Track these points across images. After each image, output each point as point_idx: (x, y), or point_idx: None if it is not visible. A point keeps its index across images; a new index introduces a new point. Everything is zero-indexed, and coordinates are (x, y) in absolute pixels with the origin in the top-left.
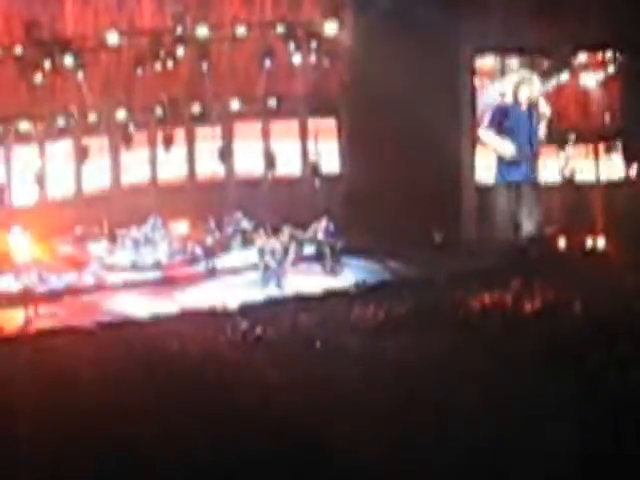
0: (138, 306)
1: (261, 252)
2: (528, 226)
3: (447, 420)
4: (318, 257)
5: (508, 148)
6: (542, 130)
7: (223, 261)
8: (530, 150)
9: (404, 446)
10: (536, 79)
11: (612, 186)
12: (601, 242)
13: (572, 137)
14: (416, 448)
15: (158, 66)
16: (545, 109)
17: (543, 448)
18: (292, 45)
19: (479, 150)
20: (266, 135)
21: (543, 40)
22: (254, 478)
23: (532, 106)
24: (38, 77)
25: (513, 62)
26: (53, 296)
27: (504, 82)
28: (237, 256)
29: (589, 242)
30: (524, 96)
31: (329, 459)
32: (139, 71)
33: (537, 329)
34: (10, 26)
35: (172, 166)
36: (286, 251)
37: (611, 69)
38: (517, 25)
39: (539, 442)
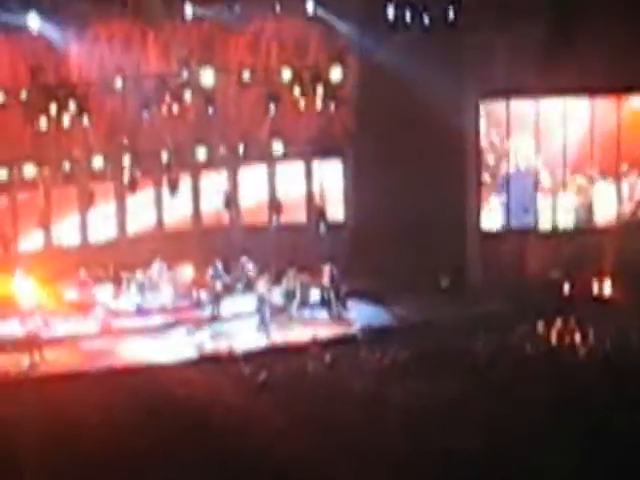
0: (143, 351)
1: (261, 299)
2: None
3: (452, 464)
4: (323, 302)
5: None
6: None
7: (228, 306)
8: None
9: None
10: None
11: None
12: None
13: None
14: None
15: (164, 110)
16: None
17: None
18: (298, 90)
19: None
20: (272, 180)
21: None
22: None
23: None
24: (43, 122)
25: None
26: (58, 341)
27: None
28: (242, 301)
29: (599, 286)
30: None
31: None
32: (145, 115)
33: (544, 372)
34: (15, 71)
35: (177, 211)
36: (292, 295)
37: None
38: (522, 69)
39: None
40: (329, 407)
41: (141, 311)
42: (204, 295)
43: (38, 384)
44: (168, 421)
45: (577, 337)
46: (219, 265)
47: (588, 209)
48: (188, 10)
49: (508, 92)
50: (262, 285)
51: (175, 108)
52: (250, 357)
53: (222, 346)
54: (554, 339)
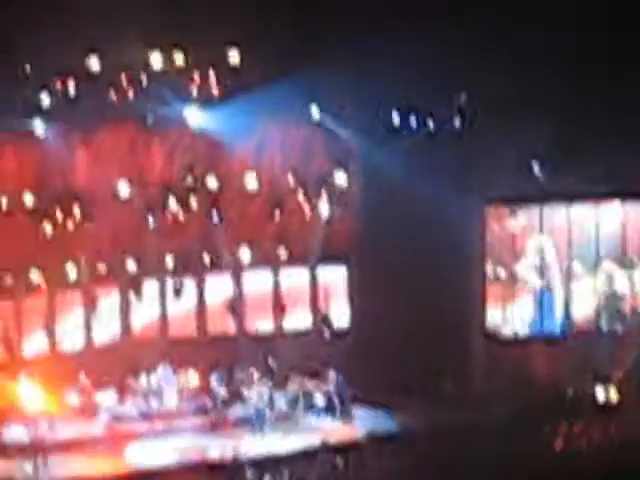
0: (147, 456)
1: (269, 404)
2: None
3: None
4: (328, 408)
5: None
6: None
7: (233, 412)
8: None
9: None
10: None
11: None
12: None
13: None
14: None
15: (168, 216)
16: None
17: None
18: (301, 195)
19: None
20: (276, 287)
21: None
22: None
23: None
24: (48, 227)
25: None
26: (63, 446)
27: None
28: (247, 407)
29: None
30: None
31: None
32: (149, 221)
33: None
34: (21, 176)
35: (181, 318)
36: (296, 401)
37: None
38: (526, 177)
39: None
40: None
41: (145, 416)
42: (209, 401)
43: None
44: None
45: (583, 443)
46: (222, 370)
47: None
48: (193, 117)
49: (513, 199)
50: (265, 389)
51: (179, 213)
52: (255, 464)
53: (227, 452)
54: (559, 445)
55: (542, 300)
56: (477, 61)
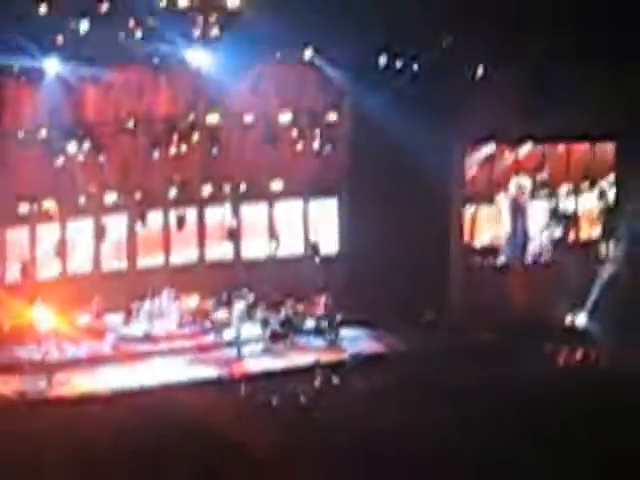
0: (151, 374)
1: (264, 326)
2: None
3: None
4: (317, 331)
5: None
6: None
7: (230, 333)
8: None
9: None
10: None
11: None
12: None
13: None
14: None
15: (172, 150)
16: None
17: None
18: (296, 132)
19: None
20: (271, 216)
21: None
22: None
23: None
24: (61, 159)
25: None
26: (72, 365)
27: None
28: (242, 329)
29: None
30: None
31: None
32: (155, 155)
33: (520, 401)
34: (36, 111)
35: (188, 244)
36: (289, 323)
37: None
38: (505, 116)
39: None
40: (318, 430)
41: (149, 337)
42: (208, 323)
43: (53, 404)
44: (172, 440)
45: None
46: (221, 295)
47: None
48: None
49: (492, 138)
50: (262, 314)
51: (183, 148)
52: (250, 380)
53: (224, 370)
54: (533, 365)
55: (516, 233)
56: (463, 5)
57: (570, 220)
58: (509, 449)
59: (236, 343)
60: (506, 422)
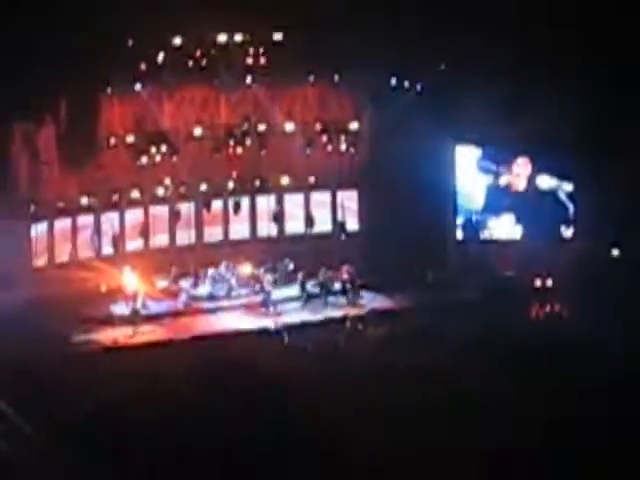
0: (214, 326)
1: (302, 288)
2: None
3: (430, 406)
4: (343, 292)
5: None
6: None
7: (275, 294)
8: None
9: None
10: None
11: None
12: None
13: None
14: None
15: (230, 152)
16: None
17: None
18: (325, 138)
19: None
20: (307, 203)
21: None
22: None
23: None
24: (143, 159)
25: None
26: (153, 318)
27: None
28: (285, 291)
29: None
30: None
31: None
32: (216, 156)
33: (498, 342)
34: (124, 122)
35: (242, 224)
36: (322, 286)
37: None
38: (489, 122)
39: None
40: (346, 365)
41: (212, 297)
42: (258, 286)
43: (138, 349)
44: (232, 372)
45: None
46: (269, 264)
47: None
48: (249, 79)
49: (478, 139)
50: (301, 279)
51: (238, 150)
52: (291, 330)
53: (270, 321)
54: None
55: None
56: (452, 41)
57: None
58: (489, 373)
59: (280, 301)
60: (487, 355)
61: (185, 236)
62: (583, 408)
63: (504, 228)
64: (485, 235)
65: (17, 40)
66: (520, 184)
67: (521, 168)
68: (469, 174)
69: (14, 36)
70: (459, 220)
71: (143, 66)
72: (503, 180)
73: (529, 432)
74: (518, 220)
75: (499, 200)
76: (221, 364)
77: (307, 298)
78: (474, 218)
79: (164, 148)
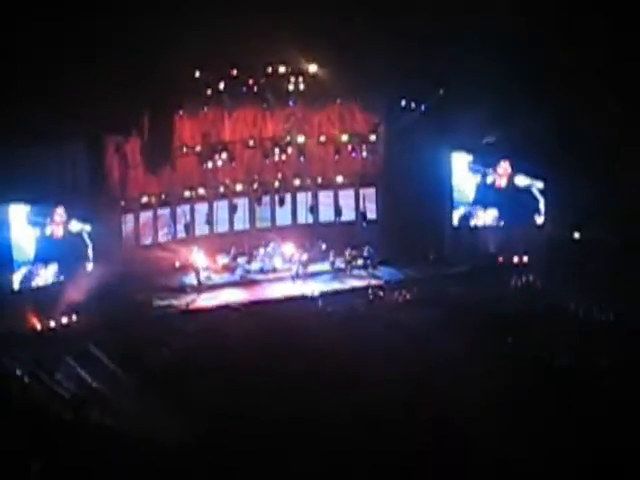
0: (265, 294)
1: (332, 264)
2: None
3: (438, 357)
4: (364, 266)
5: None
6: None
7: (311, 268)
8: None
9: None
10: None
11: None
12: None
13: None
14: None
15: (276, 158)
16: None
17: None
18: (350, 147)
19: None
20: (336, 198)
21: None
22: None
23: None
24: (209, 164)
25: None
26: (216, 288)
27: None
28: (319, 266)
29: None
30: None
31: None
32: (266, 161)
33: (484, 306)
34: (194, 135)
35: (286, 215)
36: (347, 262)
37: None
38: (477, 134)
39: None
40: (367, 325)
41: (262, 271)
42: (297, 263)
43: (204, 312)
44: (279, 331)
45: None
46: (306, 245)
47: None
48: (290, 101)
49: (470, 147)
50: (332, 257)
51: (283, 157)
52: (324, 296)
53: (307, 289)
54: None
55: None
56: (451, 69)
57: None
58: (477, 328)
59: (316, 274)
60: (475, 314)
61: (241, 223)
62: (550, 353)
63: (490, 217)
64: (475, 222)
65: (111, 71)
66: (502, 182)
67: (503, 169)
68: (462, 175)
69: (110, 68)
70: (457, 211)
71: (208, 92)
72: (489, 179)
73: (503, 374)
74: (501, 210)
75: (486, 195)
76: (271, 324)
77: (336, 272)
78: (466, 210)
79: (224, 156)
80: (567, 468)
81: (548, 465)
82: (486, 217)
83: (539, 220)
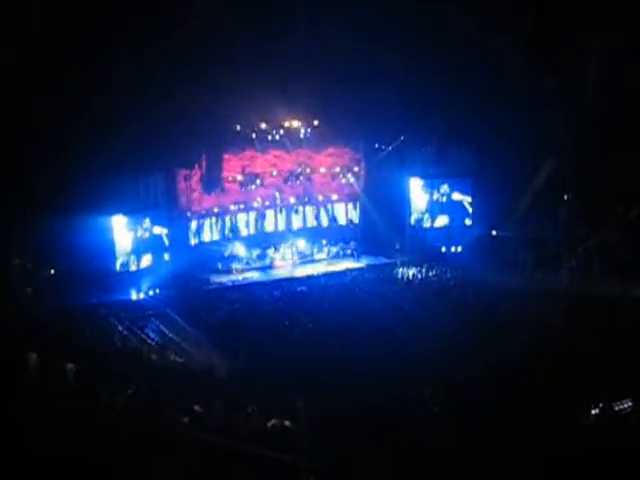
0: (283, 274)
1: (328, 252)
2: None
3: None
4: (352, 255)
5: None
6: None
7: (316, 256)
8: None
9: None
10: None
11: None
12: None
13: None
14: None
15: (290, 183)
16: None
17: None
18: (341, 175)
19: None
20: (331, 210)
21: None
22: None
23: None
24: (245, 188)
25: None
26: (252, 270)
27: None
28: (320, 255)
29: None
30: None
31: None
32: (284, 186)
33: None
34: (235, 168)
35: (299, 221)
36: (340, 251)
37: None
38: (426, 165)
39: None
40: (353, 291)
41: (284, 258)
42: (299, 255)
43: (243, 286)
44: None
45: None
46: (313, 241)
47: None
48: (299, 146)
49: (421, 174)
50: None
51: (296, 183)
52: (324, 275)
53: (313, 271)
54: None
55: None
56: (408, 124)
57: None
58: (423, 300)
59: (318, 260)
60: (422, 288)
61: (269, 226)
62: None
63: (442, 221)
64: (427, 225)
65: (182, 124)
66: (443, 198)
67: (443, 189)
68: (417, 192)
69: (181, 122)
70: (413, 217)
71: (246, 139)
72: (435, 196)
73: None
74: (448, 215)
75: (433, 206)
76: (287, 293)
77: (332, 258)
78: (419, 216)
79: (257, 182)
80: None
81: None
82: (439, 221)
83: (468, 222)
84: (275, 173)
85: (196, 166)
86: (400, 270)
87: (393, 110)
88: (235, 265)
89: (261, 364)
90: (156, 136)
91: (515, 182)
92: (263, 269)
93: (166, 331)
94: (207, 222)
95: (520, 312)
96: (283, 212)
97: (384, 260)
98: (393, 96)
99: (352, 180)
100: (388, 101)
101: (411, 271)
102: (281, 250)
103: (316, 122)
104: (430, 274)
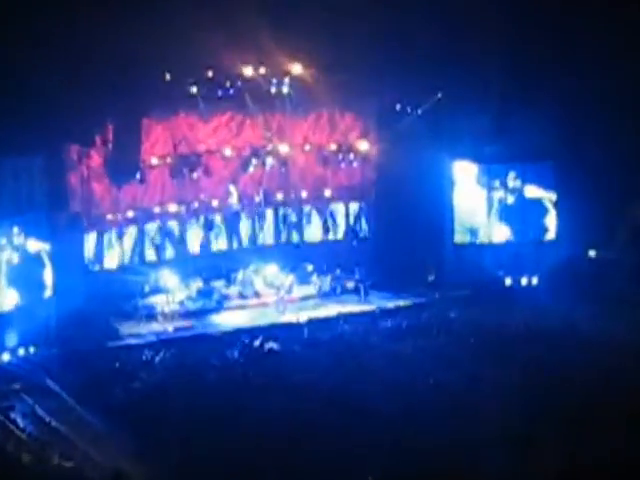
0: (241, 320)
1: (317, 287)
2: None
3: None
4: (355, 290)
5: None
6: None
7: (296, 292)
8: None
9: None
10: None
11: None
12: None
13: None
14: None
15: (252, 169)
16: None
17: None
18: (339, 156)
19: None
20: (323, 213)
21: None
22: None
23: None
24: (182, 177)
25: None
26: (190, 314)
27: None
28: (304, 289)
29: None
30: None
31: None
32: (244, 173)
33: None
34: (165, 145)
35: (268, 233)
36: (335, 286)
37: None
38: (479, 142)
39: None
40: (357, 351)
41: (243, 295)
42: (281, 286)
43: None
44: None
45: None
46: (292, 264)
47: None
48: (269, 107)
49: (474, 156)
50: (317, 280)
51: (264, 168)
52: (310, 322)
53: (293, 317)
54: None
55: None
56: (449, 74)
57: None
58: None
59: (301, 298)
60: (470, 334)
61: (218, 243)
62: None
63: (502, 233)
64: (482, 240)
65: (71, 75)
66: (510, 197)
67: (511, 181)
68: (468, 187)
69: (68, 70)
70: (460, 227)
71: (180, 96)
72: (497, 193)
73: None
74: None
75: (494, 211)
76: (253, 352)
77: (322, 296)
78: (468, 226)
79: (199, 167)
80: None
81: None
82: (500, 233)
83: (550, 236)
84: (229, 153)
85: (97, 140)
86: (436, 316)
87: (426, 48)
88: (161, 306)
89: (199, 474)
90: (28, 91)
91: (627, 171)
92: (206, 313)
93: (45, 416)
94: (114, 235)
95: None
96: (243, 219)
97: (409, 300)
98: (429, 24)
99: (357, 165)
100: (420, 31)
101: (455, 318)
102: (239, 282)
103: (298, 67)
104: (486, 322)
